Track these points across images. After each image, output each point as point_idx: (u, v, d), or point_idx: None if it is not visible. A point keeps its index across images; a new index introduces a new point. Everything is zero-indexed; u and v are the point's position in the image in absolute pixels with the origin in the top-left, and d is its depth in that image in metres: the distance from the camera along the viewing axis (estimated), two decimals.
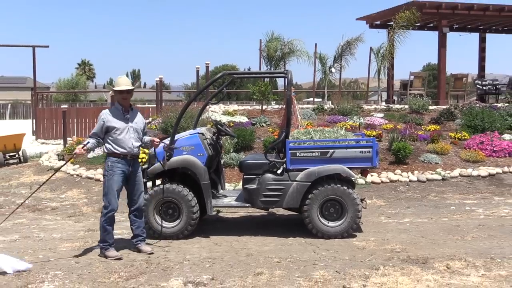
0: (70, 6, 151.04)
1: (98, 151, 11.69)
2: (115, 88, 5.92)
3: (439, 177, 9.72)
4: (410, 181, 9.62)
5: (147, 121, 15.00)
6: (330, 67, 17.74)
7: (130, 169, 5.84)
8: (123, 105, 5.91)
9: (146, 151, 8.03)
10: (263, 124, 12.50)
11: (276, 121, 12.55)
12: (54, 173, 7.38)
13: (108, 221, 5.74)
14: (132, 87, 6.03)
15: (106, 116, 5.77)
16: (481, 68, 21.02)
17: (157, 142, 6.26)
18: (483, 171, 9.96)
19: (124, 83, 5.91)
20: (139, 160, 9.86)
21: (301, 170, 6.49)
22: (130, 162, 5.84)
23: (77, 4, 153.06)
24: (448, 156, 10.67)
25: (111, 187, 5.72)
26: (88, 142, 5.75)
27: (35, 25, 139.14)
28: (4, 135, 14.42)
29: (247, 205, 6.71)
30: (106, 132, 5.75)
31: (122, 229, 6.84)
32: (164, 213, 6.51)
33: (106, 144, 5.78)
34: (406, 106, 14.73)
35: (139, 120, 6.02)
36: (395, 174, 9.83)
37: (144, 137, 6.14)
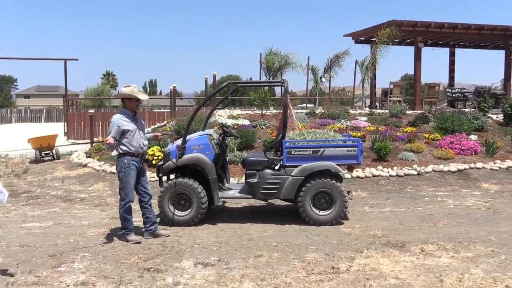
0: (97, 23, 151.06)
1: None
2: (139, 97, 5.83)
3: (415, 172, 9.71)
4: (390, 175, 9.61)
5: (163, 124, 15.03)
6: (321, 77, 17.73)
7: (140, 165, 5.84)
8: (133, 110, 5.89)
9: (162, 149, 8.02)
10: (263, 127, 12.49)
11: (274, 124, 12.56)
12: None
13: (127, 211, 5.74)
14: (147, 97, 6.17)
15: (120, 121, 5.70)
16: (451, 78, 21.02)
17: (160, 136, 6.49)
18: (453, 167, 9.96)
19: (141, 93, 5.92)
20: (156, 158, 9.95)
21: (295, 166, 6.49)
22: (140, 160, 5.84)
23: (103, 22, 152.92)
24: (423, 154, 10.67)
25: (128, 182, 5.70)
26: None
27: (66, 40, 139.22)
28: (40, 135, 14.45)
29: (249, 196, 6.71)
30: (121, 135, 5.69)
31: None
32: (177, 204, 6.52)
33: (121, 146, 5.72)
34: (387, 111, 14.71)
35: (142, 122, 6.07)
36: (377, 169, 9.83)
37: (146, 134, 6.22)
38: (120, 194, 5.79)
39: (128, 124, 5.72)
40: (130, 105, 5.86)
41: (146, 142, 5.93)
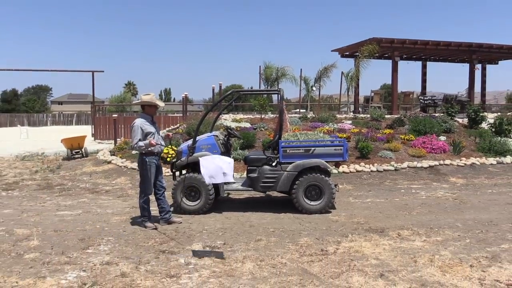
0: (120, 40, 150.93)
1: None
2: (158, 103, 5.79)
3: (393, 168, 9.69)
4: (371, 171, 9.60)
5: (176, 126, 15.01)
6: (312, 86, 17.74)
7: (158, 163, 5.81)
8: (152, 115, 5.85)
9: (175, 148, 7.99)
10: (262, 129, 12.47)
11: (271, 127, 12.53)
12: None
13: (145, 202, 5.72)
14: (163, 104, 6.07)
15: (143, 125, 5.64)
16: (423, 87, 21.01)
17: (171, 136, 6.32)
18: (425, 163, 9.93)
19: (159, 100, 5.89)
20: (170, 156, 9.94)
21: (290, 163, 6.48)
22: (158, 158, 5.82)
23: (125, 39, 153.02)
24: (399, 152, 10.64)
25: (148, 177, 5.67)
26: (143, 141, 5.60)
27: (94, 54, 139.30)
28: (71, 136, 14.43)
29: (250, 189, 6.70)
30: (144, 136, 5.64)
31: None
32: (188, 195, 6.50)
33: None
34: (368, 115, 14.66)
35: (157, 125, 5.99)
36: (360, 166, 9.80)
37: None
38: (140, 188, 5.77)
39: (149, 127, 5.68)
40: (149, 111, 5.83)
41: (163, 143, 5.91)
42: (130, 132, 5.82)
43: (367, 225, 5.73)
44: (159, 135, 5.89)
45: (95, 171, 10.81)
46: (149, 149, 5.60)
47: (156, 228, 5.64)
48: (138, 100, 6.02)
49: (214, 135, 6.71)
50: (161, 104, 5.87)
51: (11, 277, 3.99)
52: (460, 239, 5.08)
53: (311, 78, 17.81)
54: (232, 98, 7.38)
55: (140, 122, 5.66)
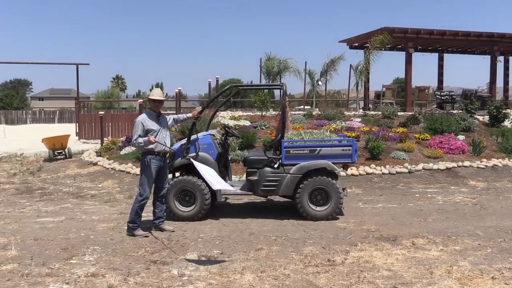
0: (107, 29, 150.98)
1: (129, 149, 11.68)
2: (150, 97, 5.93)
3: (406, 170, 9.69)
4: (383, 173, 9.59)
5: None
6: (317, 81, 17.68)
7: (162, 164, 5.84)
8: (156, 111, 5.91)
9: None
10: (263, 127, 12.46)
11: (273, 125, 12.52)
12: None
13: (140, 207, 5.75)
14: (163, 98, 6.12)
15: (144, 121, 5.74)
16: (440, 81, 21.01)
17: (196, 114, 6.23)
18: (442, 165, 9.93)
19: (157, 94, 5.94)
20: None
21: (294, 165, 6.47)
22: (162, 158, 5.84)
23: (112, 28, 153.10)
24: (414, 153, 10.64)
25: (146, 179, 5.72)
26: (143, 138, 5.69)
27: (78, 45, 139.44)
28: (53, 136, 14.42)
29: (249, 193, 6.70)
30: (145, 134, 5.71)
31: (148, 212, 6.82)
32: (182, 200, 6.50)
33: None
34: (379, 113, 14.65)
35: (166, 121, 6.04)
36: (370, 168, 9.80)
37: (179, 115, 6.30)
38: (139, 190, 5.81)
39: (152, 124, 5.76)
40: (152, 106, 5.93)
41: (168, 143, 5.93)
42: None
43: (378, 233, 5.73)
44: (166, 133, 5.93)
45: (79, 173, 10.81)
46: (149, 147, 5.67)
47: (147, 236, 5.65)
48: (148, 96, 6.25)
49: (210, 134, 6.71)
50: (155, 97, 5.90)
51: None
52: (481, 249, 5.08)
53: (316, 71, 17.74)
54: (230, 94, 7.37)
55: (142, 118, 5.78)
